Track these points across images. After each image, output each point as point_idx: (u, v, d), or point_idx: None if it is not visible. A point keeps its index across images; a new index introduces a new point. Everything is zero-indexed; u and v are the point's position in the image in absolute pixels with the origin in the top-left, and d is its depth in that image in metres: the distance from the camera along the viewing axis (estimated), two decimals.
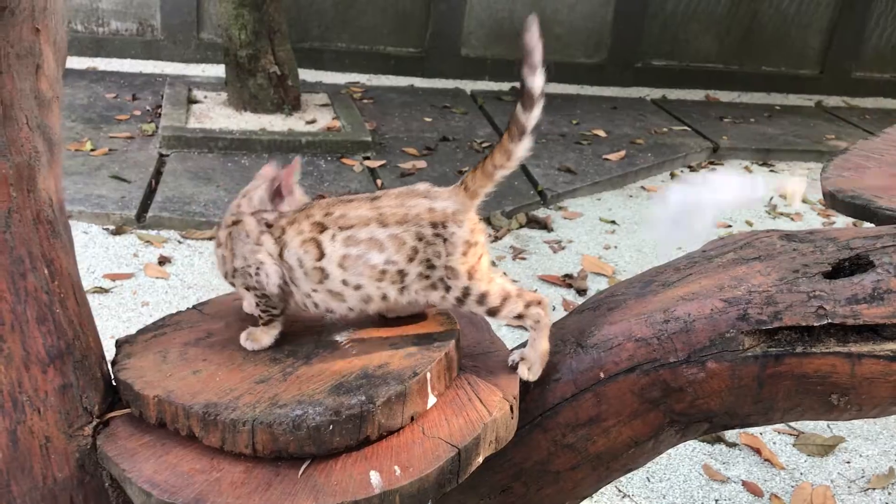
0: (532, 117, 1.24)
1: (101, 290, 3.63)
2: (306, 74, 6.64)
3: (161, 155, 4.94)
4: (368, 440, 1.17)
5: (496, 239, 4.55)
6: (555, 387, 1.32)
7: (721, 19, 7.24)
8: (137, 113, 5.50)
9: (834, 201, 1.66)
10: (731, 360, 1.24)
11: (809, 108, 7.29)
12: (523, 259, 4.36)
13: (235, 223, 1.40)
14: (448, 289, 1.30)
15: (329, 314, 1.38)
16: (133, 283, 3.74)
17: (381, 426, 1.17)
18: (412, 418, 1.19)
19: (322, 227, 1.33)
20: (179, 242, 4.14)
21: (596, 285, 4.12)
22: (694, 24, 7.23)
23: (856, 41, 7.49)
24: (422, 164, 5.25)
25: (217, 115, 5.45)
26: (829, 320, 1.22)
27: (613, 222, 4.88)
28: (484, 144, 5.68)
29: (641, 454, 1.36)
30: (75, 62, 6.30)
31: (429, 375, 1.19)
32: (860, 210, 1.58)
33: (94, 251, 3.96)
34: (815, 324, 1.22)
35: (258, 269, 1.36)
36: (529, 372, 1.32)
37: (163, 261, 3.93)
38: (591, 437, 1.32)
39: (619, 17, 7.04)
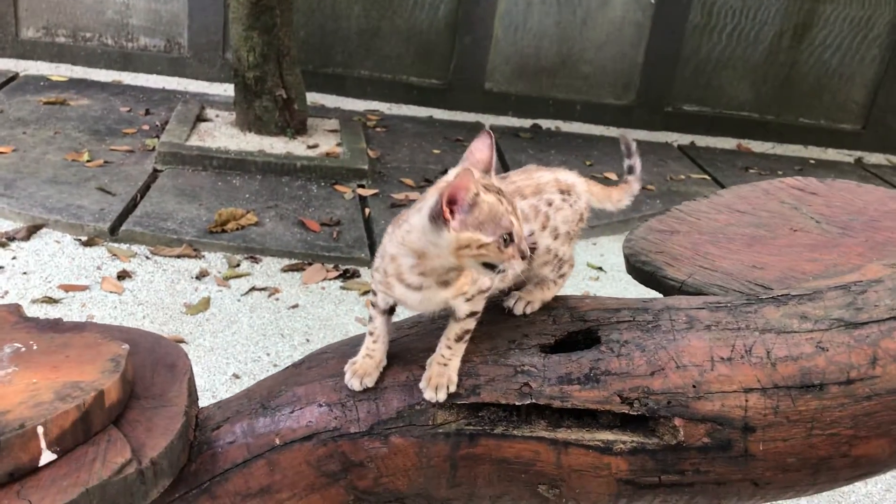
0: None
1: (50, 301, 3.64)
2: (327, 100, 6.66)
3: (155, 170, 4.98)
4: None
5: None
6: (227, 450, 1.18)
7: (758, 67, 6.97)
8: (146, 128, 5.58)
9: (628, 265, 1.49)
10: (419, 437, 1.10)
11: (847, 165, 6.94)
12: None
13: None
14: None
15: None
16: (85, 295, 3.74)
17: None
18: (12, 475, 1.08)
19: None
20: (147, 258, 4.14)
21: None
22: (729, 70, 6.98)
23: None
24: (416, 195, 5.16)
25: (220, 135, 5.48)
26: (534, 400, 1.07)
27: (600, 269, 4.68)
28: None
29: None
30: (102, 75, 6.46)
31: (41, 430, 1.08)
32: (648, 277, 1.41)
33: (60, 261, 3.99)
34: (517, 402, 1.07)
35: None
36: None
37: (123, 275, 3.93)
38: None
39: (650, 59, 6.86)
